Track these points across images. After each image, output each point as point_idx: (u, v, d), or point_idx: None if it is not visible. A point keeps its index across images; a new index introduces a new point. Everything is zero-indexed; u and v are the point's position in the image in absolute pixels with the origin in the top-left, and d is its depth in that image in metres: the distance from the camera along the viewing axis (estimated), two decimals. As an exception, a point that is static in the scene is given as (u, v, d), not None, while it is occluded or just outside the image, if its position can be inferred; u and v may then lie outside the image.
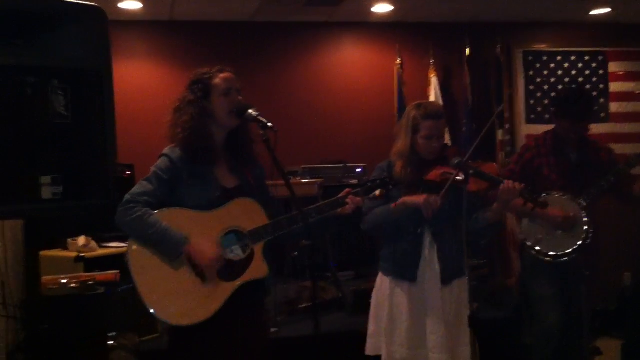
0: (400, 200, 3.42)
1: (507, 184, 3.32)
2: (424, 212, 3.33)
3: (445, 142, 3.82)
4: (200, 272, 2.79)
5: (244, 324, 2.92)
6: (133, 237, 2.79)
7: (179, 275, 2.78)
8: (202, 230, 2.81)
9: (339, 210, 3.00)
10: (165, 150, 2.92)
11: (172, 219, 2.79)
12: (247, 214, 2.91)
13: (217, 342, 2.86)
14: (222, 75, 2.96)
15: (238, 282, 2.85)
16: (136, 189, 2.82)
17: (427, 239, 3.55)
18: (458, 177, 3.25)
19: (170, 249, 2.76)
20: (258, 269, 2.90)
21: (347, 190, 3.05)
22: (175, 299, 2.77)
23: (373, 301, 3.71)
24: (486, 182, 3.38)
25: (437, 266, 3.53)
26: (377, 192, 3.19)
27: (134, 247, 2.79)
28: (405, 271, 3.54)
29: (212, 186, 2.90)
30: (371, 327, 3.68)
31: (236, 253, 2.87)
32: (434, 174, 3.41)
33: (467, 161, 3.24)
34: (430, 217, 3.34)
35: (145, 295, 2.73)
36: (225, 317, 2.82)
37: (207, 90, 2.93)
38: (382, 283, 3.67)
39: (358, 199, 3.03)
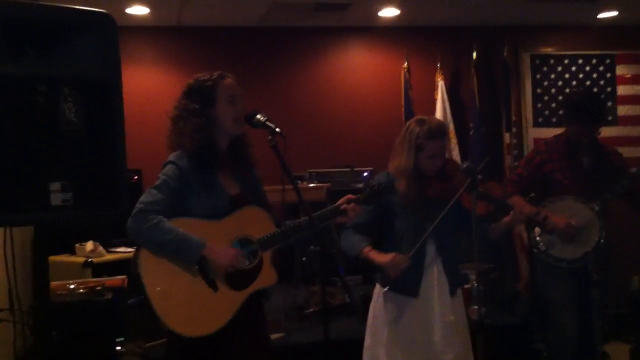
0: (369, 254, 3.43)
1: (517, 210, 3.35)
2: (390, 274, 3.32)
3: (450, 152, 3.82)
4: (211, 283, 2.78)
5: (245, 329, 2.89)
6: (148, 245, 2.74)
7: (191, 286, 2.76)
8: (212, 239, 2.79)
9: (342, 218, 3.01)
10: (172, 158, 2.89)
11: (184, 229, 2.77)
12: (255, 222, 2.91)
13: (219, 348, 2.83)
14: (225, 82, 2.93)
15: (249, 291, 2.84)
16: (146, 197, 2.78)
17: (431, 254, 3.52)
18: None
19: (189, 253, 2.73)
20: (267, 276, 2.90)
21: (347, 197, 3.04)
22: (188, 310, 2.75)
23: (371, 313, 3.67)
24: (494, 205, 3.39)
25: (444, 279, 3.52)
26: None
27: (145, 258, 2.74)
28: (407, 286, 3.51)
29: (219, 194, 2.89)
30: (368, 340, 3.63)
31: (246, 261, 2.86)
32: (436, 190, 3.41)
33: (476, 172, 3.23)
34: (397, 277, 3.32)
35: (158, 308, 2.70)
36: (228, 324, 2.81)
37: (212, 98, 2.90)
38: (380, 296, 3.63)
39: (357, 206, 3.03)
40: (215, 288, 2.78)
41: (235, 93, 2.93)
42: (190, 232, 2.76)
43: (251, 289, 2.85)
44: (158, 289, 2.72)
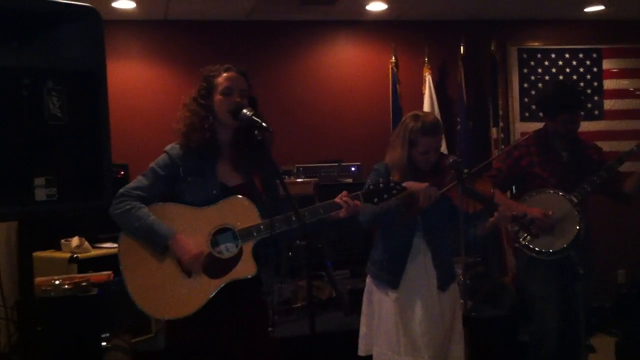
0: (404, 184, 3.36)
1: (502, 212, 3.36)
2: (420, 200, 3.27)
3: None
4: (186, 267, 2.81)
5: (242, 322, 2.90)
6: (123, 230, 2.84)
7: (165, 269, 2.82)
8: (192, 226, 2.84)
9: (334, 213, 2.96)
10: (166, 147, 2.98)
11: (164, 214, 2.84)
12: (239, 213, 2.89)
13: (215, 340, 2.87)
14: (225, 74, 2.97)
15: (224, 280, 2.84)
16: (131, 183, 2.89)
17: (421, 247, 3.54)
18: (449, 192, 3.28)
19: (155, 241, 2.79)
20: (245, 268, 2.87)
21: (343, 192, 2.99)
22: (160, 292, 2.80)
23: (364, 303, 3.73)
24: (481, 203, 3.40)
25: (432, 273, 3.53)
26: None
27: (124, 240, 2.84)
28: (390, 278, 3.54)
29: (211, 184, 2.91)
30: (363, 329, 3.70)
31: (231, 250, 2.86)
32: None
33: (462, 165, 3.24)
34: (425, 207, 3.27)
35: (131, 288, 2.80)
36: (223, 315, 2.84)
37: (210, 88, 2.96)
38: (371, 285, 3.69)
39: (355, 202, 2.95)
40: (189, 273, 2.82)
41: (234, 86, 2.95)
42: (170, 217, 2.83)
43: (227, 278, 2.85)
44: (134, 270, 2.82)
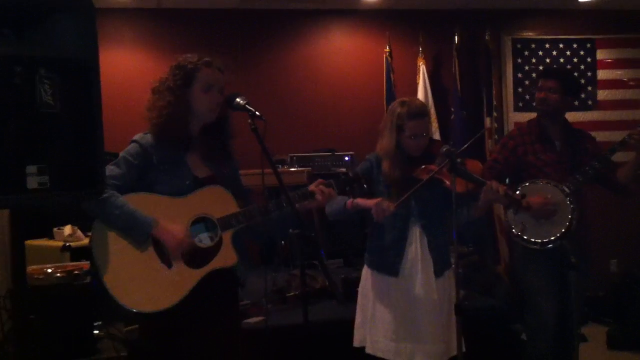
0: (355, 201, 3.42)
1: (490, 185, 3.35)
2: (374, 216, 3.33)
3: (433, 134, 3.82)
4: (166, 259, 2.76)
5: (215, 314, 2.89)
6: (99, 219, 2.73)
7: (144, 261, 2.74)
8: (170, 215, 2.77)
9: (312, 203, 2.96)
10: (136, 137, 2.91)
11: (141, 204, 2.75)
12: (217, 202, 2.87)
13: (187, 332, 2.82)
14: (206, 69, 2.90)
15: (205, 270, 2.81)
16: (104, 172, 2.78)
17: (416, 233, 3.55)
18: (440, 176, 3.28)
19: (137, 230, 2.71)
20: (226, 257, 2.85)
21: (318, 181, 3.01)
22: (139, 284, 2.71)
23: (360, 293, 3.74)
24: (471, 182, 3.40)
25: (429, 258, 3.54)
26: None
27: (99, 230, 2.73)
28: (389, 265, 3.56)
29: (183, 174, 2.87)
30: (358, 319, 3.71)
31: (205, 241, 2.84)
32: (421, 171, 3.42)
33: (456, 154, 3.24)
34: (381, 221, 3.36)
35: (107, 280, 2.67)
36: (196, 307, 2.79)
37: (189, 80, 2.88)
38: (367, 275, 3.69)
39: (329, 189, 2.97)
40: (169, 264, 2.76)
41: (214, 83, 2.90)
42: (147, 207, 2.75)
43: (208, 267, 2.81)
44: (109, 261, 2.70)
